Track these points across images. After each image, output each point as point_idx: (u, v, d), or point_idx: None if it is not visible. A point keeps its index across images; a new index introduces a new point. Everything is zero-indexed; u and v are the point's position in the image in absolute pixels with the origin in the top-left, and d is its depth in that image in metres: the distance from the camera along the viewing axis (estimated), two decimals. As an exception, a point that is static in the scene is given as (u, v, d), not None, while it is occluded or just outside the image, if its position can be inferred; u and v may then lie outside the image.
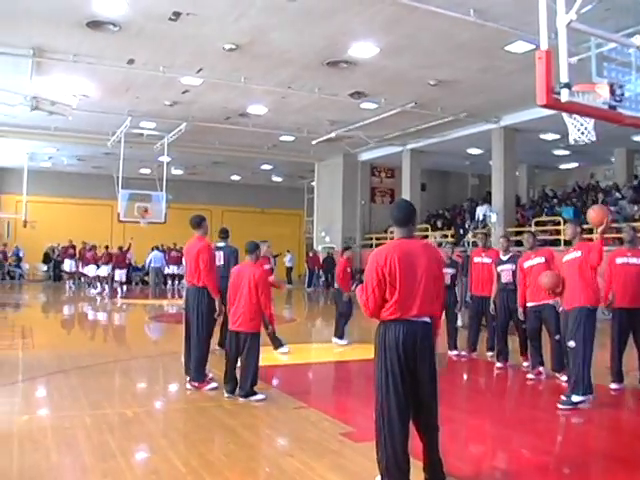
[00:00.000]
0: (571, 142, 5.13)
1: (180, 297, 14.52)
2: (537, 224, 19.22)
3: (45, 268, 28.67)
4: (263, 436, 5.57)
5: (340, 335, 10.63)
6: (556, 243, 17.04)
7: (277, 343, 9.25)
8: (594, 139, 4.94)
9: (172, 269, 25.30)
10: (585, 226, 7.72)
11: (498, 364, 8.50)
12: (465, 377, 8.30)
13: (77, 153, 25.57)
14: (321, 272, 26.69)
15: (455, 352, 9.38)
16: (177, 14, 11.25)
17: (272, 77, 14.95)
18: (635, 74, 4.72)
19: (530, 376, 7.84)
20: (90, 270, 23.25)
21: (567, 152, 22.75)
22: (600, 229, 6.32)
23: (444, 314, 4.27)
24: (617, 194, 20.00)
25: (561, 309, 6.96)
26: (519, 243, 15.37)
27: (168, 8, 11.03)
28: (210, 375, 7.06)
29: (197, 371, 6.89)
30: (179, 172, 29.02)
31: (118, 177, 19.88)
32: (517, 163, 22.14)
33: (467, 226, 22.49)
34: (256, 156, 25.59)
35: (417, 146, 23.07)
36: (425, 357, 3.88)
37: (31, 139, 22.10)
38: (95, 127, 20.49)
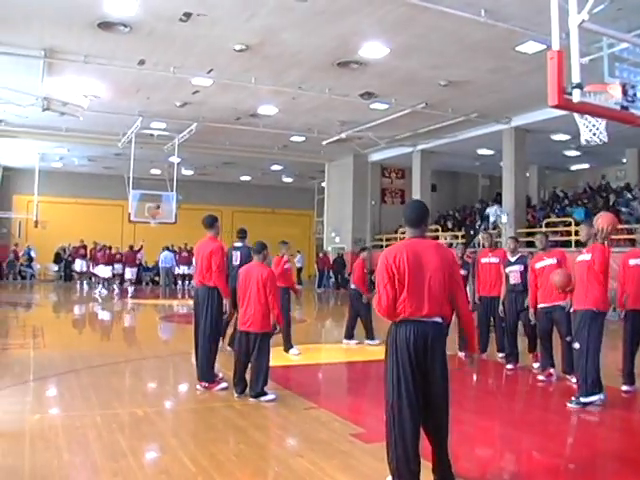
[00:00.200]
0: (582, 143, 5.11)
1: (190, 297, 14.57)
2: (548, 225, 19.16)
3: (56, 268, 28.80)
4: (273, 436, 5.57)
5: (349, 336, 10.65)
6: (567, 244, 16.98)
7: (289, 345, 9.27)
8: (606, 140, 4.92)
9: (182, 269, 25.50)
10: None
11: (508, 366, 8.50)
12: (475, 378, 8.27)
13: (88, 153, 25.66)
14: (331, 273, 26.75)
15: (464, 353, 9.34)
16: (188, 15, 11.28)
17: (282, 78, 14.97)
18: (648, 74, 4.69)
19: (541, 378, 7.81)
20: (100, 270, 23.39)
21: (578, 153, 22.60)
22: (599, 235, 6.30)
23: (454, 315, 4.24)
24: (629, 195, 19.87)
25: (571, 310, 6.93)
26: (530, 244, 15.34)
27: (179, 9, 11.07)
28: (220, 375, 7.07)
29: (206, 371, 6.90)
30: (189, 172, 29.09)
31: (129, 177, 19.97)
32: (528, 164, 22.10)
33: (477, 227, 22.41)
34: (266, 156, 25.60)
35: (427, 147, 23.01)
36: (436, 357, 3.86)
37: (42, 140, 22.19)
38: (106, 128, 20.57)
